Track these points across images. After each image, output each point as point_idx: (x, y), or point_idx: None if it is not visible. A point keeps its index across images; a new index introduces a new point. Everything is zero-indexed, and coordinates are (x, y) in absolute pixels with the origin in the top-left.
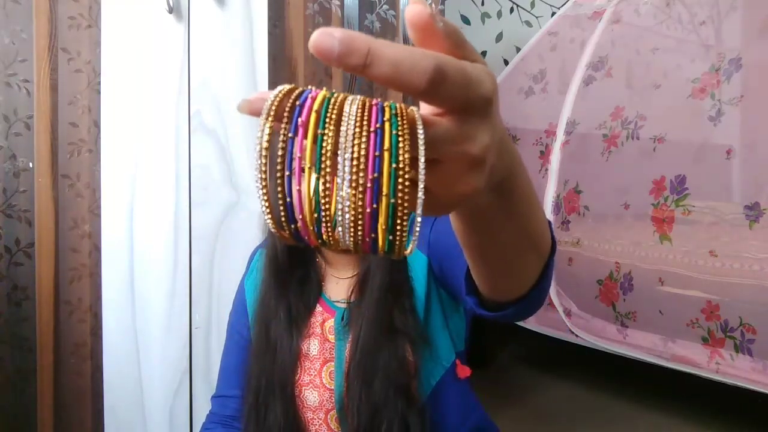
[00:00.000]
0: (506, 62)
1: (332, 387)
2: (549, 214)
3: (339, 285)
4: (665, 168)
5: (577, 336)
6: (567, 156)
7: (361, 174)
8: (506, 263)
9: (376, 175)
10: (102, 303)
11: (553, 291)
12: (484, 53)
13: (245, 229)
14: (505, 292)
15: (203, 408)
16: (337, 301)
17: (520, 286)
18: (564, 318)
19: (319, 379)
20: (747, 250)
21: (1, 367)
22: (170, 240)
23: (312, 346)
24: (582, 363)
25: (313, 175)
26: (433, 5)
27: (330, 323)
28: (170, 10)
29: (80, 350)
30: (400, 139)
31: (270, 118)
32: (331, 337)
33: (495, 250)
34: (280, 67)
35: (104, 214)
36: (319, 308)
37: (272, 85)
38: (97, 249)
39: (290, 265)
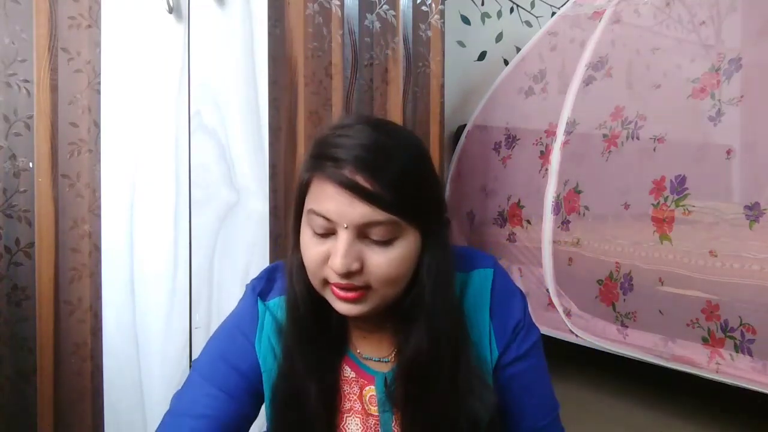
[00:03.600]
0: (506, 62)
1: None
2: (549, 213)
3: (367, 340)
4: (665, 168)
5: (577, 336)
6: (567, 156)
7: None
8: None
9: None
10: (102, 303)
11: (553, 291)
12: (484, 53)
13: (245, 229)
14: None
15: None
16: (368, 359)
17: None
18: (564, 318)
19: None
20: (747, 250)
21: (1, 367)
22: (170, 240)
23: (352, 426)
24: (582, 363)
25: None
26: (433, 5)
27: (370, 391)
28: (170, 10)
29: (80, 350)
30: None
31: None
32: (374, 409)
33: None
34: (280, 67)
35: (104, 214)
36: (351, 374)
37: (272, 85)
38: (97, 249)
39: (318, 330)
